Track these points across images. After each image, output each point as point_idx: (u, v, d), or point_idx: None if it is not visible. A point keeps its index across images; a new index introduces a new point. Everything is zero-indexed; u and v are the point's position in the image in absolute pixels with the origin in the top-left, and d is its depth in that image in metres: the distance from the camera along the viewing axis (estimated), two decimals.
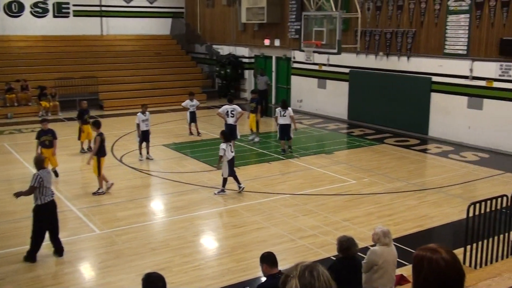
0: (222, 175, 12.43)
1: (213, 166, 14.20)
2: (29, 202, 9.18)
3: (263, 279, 6.36)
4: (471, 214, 7.74)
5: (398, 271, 7.42)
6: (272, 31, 24.86)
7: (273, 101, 25.03)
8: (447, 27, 17.38)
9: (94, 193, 12.36)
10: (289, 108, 16.31)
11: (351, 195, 12.35)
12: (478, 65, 16.60)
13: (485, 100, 16.52)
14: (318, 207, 11.53)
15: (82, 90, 24.48)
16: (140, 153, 15.49)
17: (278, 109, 16.31)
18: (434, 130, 18.21)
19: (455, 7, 17.09)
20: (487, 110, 16.50)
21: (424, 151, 16.82)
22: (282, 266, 6.35)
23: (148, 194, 13.05)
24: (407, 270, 7.70)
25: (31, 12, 27.52)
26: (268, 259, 6.03)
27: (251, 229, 10.37)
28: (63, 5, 28.16)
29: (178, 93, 25.36)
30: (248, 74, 27.05)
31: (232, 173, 12.44)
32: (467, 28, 16.80)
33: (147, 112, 15.52)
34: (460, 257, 7.34)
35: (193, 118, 18.64)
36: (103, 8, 29.28)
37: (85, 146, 16.38)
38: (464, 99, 17.11)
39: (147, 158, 15.47)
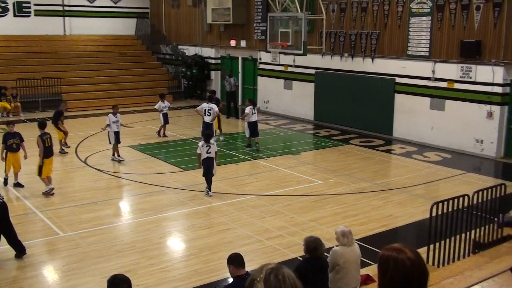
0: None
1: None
2: None
3: (230, 280, 6.35)
4: (434, 214, 7.88)
5: (364, 271, 7.52)
6: (238, 32, 24.87)
7: (240, 102, 25.05)
8: (410, 29, 17.68)
9: (43, 193, 12.23)
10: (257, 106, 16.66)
11: (318, 196, 12.44)
12: (440, 67, 16.94)
13: (447, 101, 16.86)
14: (285, 208, 11.58)
15: (45, 91, 24.00)
16: (118, 154, 15.36)
17: (249, 108, 16.62)
18: (398, 130, 18.49)
19: (417, 9, 17.40)
20: (449, 111, 16.84)
21: (389, 151, 17.07)
22: (250, 267, 6.36)
23: (113, 196, 12.88)
24: (373, 270, 7.80)
25: None
26: (235, 260, 6.02)
27: (218, 230, 10.34)
28: (24, 5, 27.53)
29: (143, 94, 25.15)
30: (215, 75, 26.99)
31: (205, 174, 12.35)
32: (429, 30, 17.12)
33: (117, 114, 15.40)
34: (424, 256, 7.48)
35: (166, 120, 18.57)
36: (66, 8, 28.74)
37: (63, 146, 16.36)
38: (427, 100, 17.43)
39: (118, 159, 15.33)
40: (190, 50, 27.96)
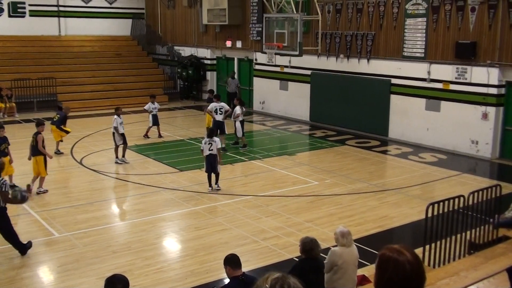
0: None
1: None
2: None
3: (227, 281, 6.35)
4: (430, 215, 7.89)
5: (360, 272, 7.51)
6: (234, 32, 24.86)
7: None
8: (405, 31, 17.72)
9: (37, 193, 12.29)
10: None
11: (313, 196, 12.45)
12: (435, 68, 16.98)
13: (443, 102, 16.91)
14: (281, 209, 11.59)
15: (40, 91, 23.96)
16: (123, 156, 15.35)
17: (239, 107, 16.79)
18: (394, 131, 18.53)
19: (413, 10, 17.45)
20: (444, 112, 16.88)
21: (385, 152, 17.09)
22: (246, 267, 6.37)
23: (109, 197, 12.86)
24: (368, 271, 7.81)
25: None
26: (232, 261, 6.03)
27: (214, 231, 10.34)
28: (19, 5, 27.46)
29: (139, 95, 25.08)
30: (210, 75, 26.97)
31: (208, 170, 12.49)
32: (424, 31, 17.17)
33: (121, 115, 15.50)
34: (420, 257, 7.48)
35: (155, 121, 18.51)
36: (61, 8, 28.68)
37: (59, 147, 16.31)
38: (422, 101, 17.47)
39: (123, 161, 15.29)
40: (185, 51, 27.94)
